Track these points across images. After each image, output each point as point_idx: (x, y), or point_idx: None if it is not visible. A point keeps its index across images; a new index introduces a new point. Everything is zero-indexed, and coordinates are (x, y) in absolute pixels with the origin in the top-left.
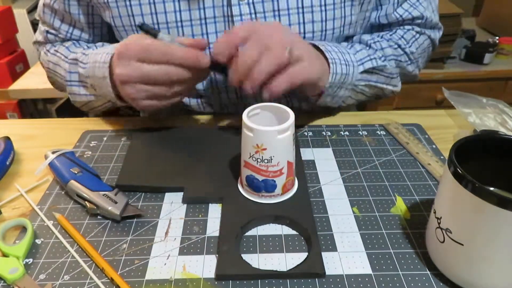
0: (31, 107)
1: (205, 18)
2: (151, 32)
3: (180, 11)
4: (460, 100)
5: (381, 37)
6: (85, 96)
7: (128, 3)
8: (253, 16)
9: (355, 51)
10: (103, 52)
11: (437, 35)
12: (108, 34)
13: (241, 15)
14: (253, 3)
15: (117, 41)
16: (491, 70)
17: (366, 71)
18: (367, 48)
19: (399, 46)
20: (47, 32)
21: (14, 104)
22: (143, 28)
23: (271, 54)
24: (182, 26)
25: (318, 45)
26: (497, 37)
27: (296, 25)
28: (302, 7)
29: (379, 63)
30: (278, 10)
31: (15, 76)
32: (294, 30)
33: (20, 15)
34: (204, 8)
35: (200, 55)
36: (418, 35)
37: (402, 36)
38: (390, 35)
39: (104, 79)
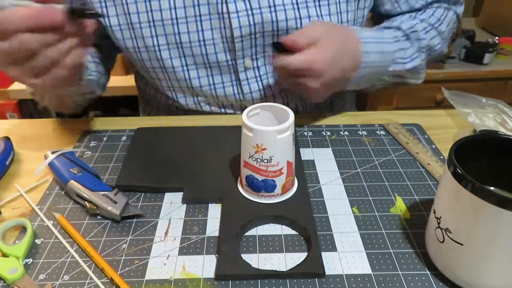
0: (31, 107)
1: (200, 15)
2: None
3: (175, 8)
4: (459, 100)
5: (414, 18)
6: None
7: (124, 1)
8: (249, 12)
9: (398, 47)
10: None
11: (461, 10)
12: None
13: (237, 11)
14: None
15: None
16: (491, 70)
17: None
18: (407, 39)
19: (432, 26)
20: None
21: (14, 104)
22: None
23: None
24: (177, 24)
25: (360, 42)
26: (497, 37)
27: (292, 20)
28: (297, 3)
29: (414, 64)
30: (274, 5)
31: None
32: (291, 25)
33: None
34: (199, 5)
35: (44, 11)
36: (447, 11)
37: (433, 14)
38: (421, 14)
39: None
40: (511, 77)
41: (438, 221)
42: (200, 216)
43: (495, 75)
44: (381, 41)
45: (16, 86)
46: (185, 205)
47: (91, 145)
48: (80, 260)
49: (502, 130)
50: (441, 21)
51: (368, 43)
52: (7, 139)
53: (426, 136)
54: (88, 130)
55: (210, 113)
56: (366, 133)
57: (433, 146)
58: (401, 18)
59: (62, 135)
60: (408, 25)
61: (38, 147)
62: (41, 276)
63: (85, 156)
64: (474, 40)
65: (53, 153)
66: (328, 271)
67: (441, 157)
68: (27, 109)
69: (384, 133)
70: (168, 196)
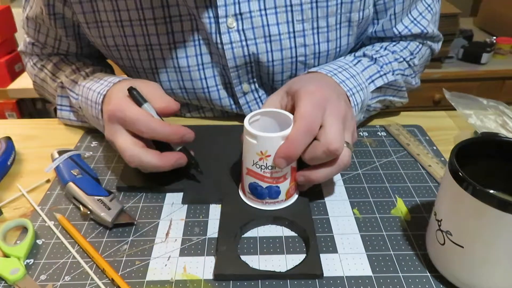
0: (30, 107)
1: (199, 40)
2: (138, 100)
3: (173, 32)
4: (460, 102)
5: (385, 49)
6: (76, 122)
7: (119, 23)
8: (244, 43)
9: (363, 67)
10: (95, 91)
11: (437, 46)
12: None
13: (231, 42)
14: (243, 30)
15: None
16: (488, 69)
17: (377, 88)
18: (374, 62)
19: (404, 59)
20: (33, 44)
21: (13, 104)
22: (131, 93)
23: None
24: (175, 48)
25: (332, 76)
26: (495, 37)
27: (288, 49)
28: (294, 32)
29: (389, 79)
30: (269, 36)
31: (14, 75)
32: (286, 55)
33: (19, 14)
34: (198, 30)
35: (186, 132)
36: (420, 45)
37: (406, 47)
38: (394, 45)
39: (98, 120)
40: (508, 77)
41: (439, 223)
42: (201, 217)
43: (493, 74)
44: (343, 68)
45: (15, 85)
46: (186, 206)
47: (92, 145)
48: (81, 261)
49: (503, 131)
50: (414, 55)
51: (338, 74)
52: (8, 139)
53: (427, 138)
54: (89, 130)
55: (213, 118)
56: (367, 134)
57: (434, 148)
58: (371, 47)
59: (63, 135)
60: (375, 52)
61: (39, 147)
62: (42, 277)
63: (86, 156)
64: (472, 39)
65: (59, 152)
66: (328, 273)
67: (442, 158)
68: (26, 108)
69: (385, 134)
70: (169, 197)
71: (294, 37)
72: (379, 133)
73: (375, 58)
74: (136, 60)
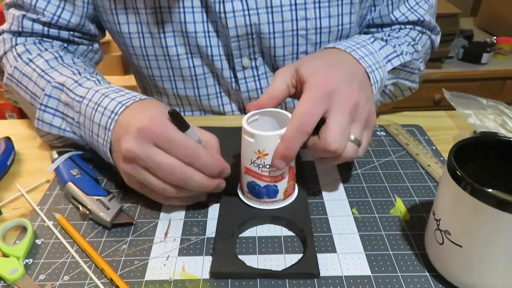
0: None
1: (207, 7)
2: (182, 124)
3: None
4: (460, 101)
5: (389, 35)
6: (58, 129)
7: None
8: (246, 12)
9: (380, 46)
10: (114, 99)
11: (437, 38)
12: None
13: (233, 11)
14: None
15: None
16: (488, 70)
17: (391, 70)
18: (386, 43)
19: (409, 43)
20: (24, 16)
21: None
22: (174, 116)
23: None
24: (184, 13)
25: (350, 52)
26: (495, 37)
27: (289, 22)
28: (295, 4)
29: (406, 59)
30: (271, 6)
31: None
32: (287, 27)
33: None
34: None
35: (226, 167)
36: (421, 34)
37: (407, 34)
38: (396, 32)
39: (104, 129)
40: (509, 77)
41: (438, 223)
42: (200, 217)
43: (493, 74)
44: (360, 44)
45: None
46: (185, 206)
47: None
48: (80, 261)
49: (502, 131)
50: (416, 41)
51: (356, 50)
52: (8, 139)
53: (426, 137)
54: None
55: (209, 109)
56: None
57: (433, 147)
58: (379, 34)
59: None
60: (383, 34)
61: (39, 147)
62: (41, 277)
63: (85, 156)
64: (472, 39)
65: (58, 152)
66: (327, 273)
67: (441, 158)
68: None
69: (384, 134)
70: None
71: (296, 9)
72: (378, 132)
73: (386, 40)
74: (143, 23)
